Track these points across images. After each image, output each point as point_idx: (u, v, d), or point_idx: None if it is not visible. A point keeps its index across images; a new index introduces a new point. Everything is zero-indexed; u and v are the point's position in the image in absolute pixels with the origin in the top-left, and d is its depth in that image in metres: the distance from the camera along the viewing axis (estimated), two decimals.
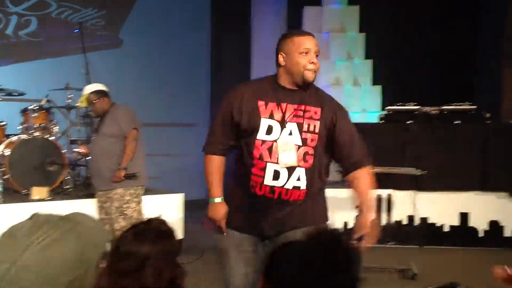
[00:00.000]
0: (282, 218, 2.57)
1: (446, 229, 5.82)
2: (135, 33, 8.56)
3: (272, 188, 2.52)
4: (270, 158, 2.51)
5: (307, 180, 2.53)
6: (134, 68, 8.34)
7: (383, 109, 7.33)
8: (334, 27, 8.21)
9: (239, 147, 2.63)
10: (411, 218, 5.87)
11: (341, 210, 5.92)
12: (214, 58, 9.23)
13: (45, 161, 5.48)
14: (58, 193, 5.42)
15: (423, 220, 5.83)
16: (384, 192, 5.94)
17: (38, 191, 5.08)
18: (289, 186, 2.52)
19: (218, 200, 2.68)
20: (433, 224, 5.83)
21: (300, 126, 2.52)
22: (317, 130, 2.53)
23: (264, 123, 2.53)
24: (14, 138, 5.61)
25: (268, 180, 2.51)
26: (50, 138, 5.65)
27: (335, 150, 2.61)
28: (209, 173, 2.69)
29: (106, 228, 4.98)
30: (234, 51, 8.92)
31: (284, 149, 2.50)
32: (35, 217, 1.16)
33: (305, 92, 2.58)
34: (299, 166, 2.51)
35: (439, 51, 8.13)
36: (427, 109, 6.19)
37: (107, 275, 1.42)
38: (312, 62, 2.55)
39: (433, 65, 8.12)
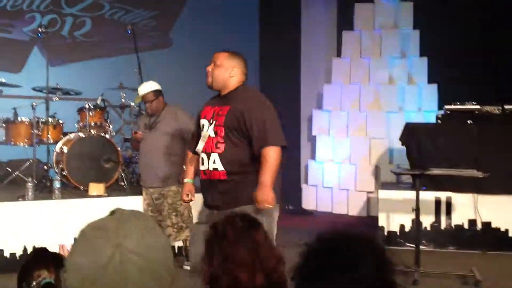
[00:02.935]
0: (217, 194, 3.31)
1: (511, 234, 5.57)
2: (185, 33, 8.61)
3: (203, 171, 3.34)
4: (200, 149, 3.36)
5: (222, 163, 3.24)
6: (184, 68, 8.37)
7: (440, 108, 7.10)
8: (386, 23, 8.04)
9: None
10: (472, 222, 5.64)
11: (396, 212, 5.77)
12: (263, 56, 9.19)
13: (102, 158, 5.59)
14: (113, 190, 5.54)
15: (486, 224, 5.59)
16: (443, 195, 5.74)
17: (96, 187, 5.19)
18: (210, 168, 3.29)
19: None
20: (497, 229, 5.59)
21: (216, 122, 3.29)
22: (223, 123, 3.26)
23: (201, 122, 3.40)
24: (72, 136, 5.74)
25: (200, 165, 3.36)
26: (105, 136, 5.74)
27: (249, 134, 3.24)
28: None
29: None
30: (283, 49, 8.85)
31: (201, 140, 3.33)
32: (118, 211, 1.19)
33: (227, 96, 3.36)
34: (212, 152, 3.27)
35: (497, 47, 7.83)
36: (488, 108, 5.95)
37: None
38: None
39: (491, 62, 7.82)
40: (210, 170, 3.29)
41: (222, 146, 3.26)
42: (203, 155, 3.32)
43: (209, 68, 3.38)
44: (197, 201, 5.13)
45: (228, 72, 3.34)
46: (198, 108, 6.87)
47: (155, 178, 4.88)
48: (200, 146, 3.33)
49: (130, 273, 1.10)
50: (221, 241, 1.66)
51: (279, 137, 3.27)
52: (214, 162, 3.26)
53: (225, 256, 1.63)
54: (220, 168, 3.25)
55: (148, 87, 4.95)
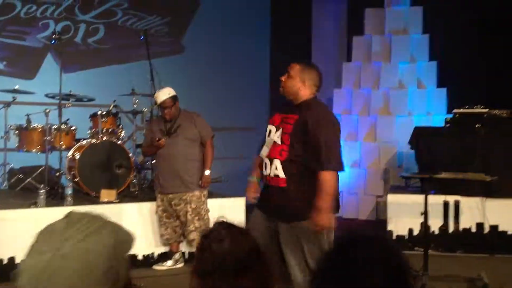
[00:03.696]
0: (276, 203, 3.32)
1: None
2: (197, 39, 8.68)
3: (265, 176, 3.37)
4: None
5: (284, 170, 3.27)
6: (196, 74, 8.46)
7: (449, 112, 7.12)
8: (396, 28, 8.07)
9: None
10: (480, 225, 5.66)
11: (405, 216, 5.79)
12: (274, 61, 9.25)
13: (113, 164, 5.64)
14: (125, 196, 5.57)
15: (493, 227, 5.61)
16: (451, 199, 5.76)
17: (107, 194, 5.24)
18: (272, 174, 3.33)
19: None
20: (504, 232, 5.60)
21: (282, 130, 3.33)
22: (290, 131, 3.29)
23: (269, 128, 3.44)
24: (84, 142, 5.80)
25: (263, 170, 3.39)
26: (118, 142, 5.80)
27: (307, 149, 3.27)
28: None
29: (167, 231, 5.10)
30: (294, 54, 8.89)
31: (266, 145, 3.37)
32: (71, 214, 1.24)
33: (299, 106, 3.37)
34: (275, 158, 3.30)
35: (505, 51, 7.81)
36: (496, 112, 5.97)
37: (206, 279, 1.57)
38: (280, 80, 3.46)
39: (500, 66, 7.80)
40: (272, 177, 3.34)
41: (285, 154, 3.30)
42: (267, 161, 3.37)
43: (283, 78, 3.45)
44: (214, 206, 5.21)
45: (300, 84, 3.38)
46: (209, 114, 6.97)
47: (179, 183, 4.94)
48: (264, 151, 3.38)
49: (64, 276, 1.16)
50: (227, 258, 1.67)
51: (335, 161, 3.26)
52: (276, 169, 3.32)
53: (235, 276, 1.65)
54: (282, 175, 3.30)
55: (166, 93, 5.01)
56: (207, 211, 5.06)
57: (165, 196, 5.04)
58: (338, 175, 3.34)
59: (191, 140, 4.97)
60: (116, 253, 1.20)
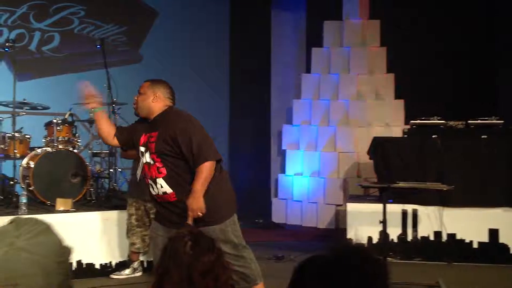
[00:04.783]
0: (174, 215, 3.48)
1: (475, 245, 5.69)
2: (155, 48, 8.61)
3: (155, 196, 3.52)
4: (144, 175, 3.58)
5: (169, 185, 3.44)
6: None
7: (406, 123, 7.25)
8: (354, 41, 8.19)
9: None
10: (438, 234, 5.75)
11: (364, 225, 5.84)
12: (233, 71, 9.26)
13: (69, 173, 5.52)
14: (81, 205, 5.46)
15: (451, 236, 5.70)
16: (409, 207, 5.84)
17: (63, 203, 5.13)
18: (160, 193, 3.49)
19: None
20: (461, 240, 5.70)
21: (149, 150, 3.49)
22: (155, 150, 3.46)
23: (140, 149, 3.57)
24: (39, 151, 5.66)
25: (151, 190, 3.54)
26: (73, 151, 5.69)
27: (182, 155, 3.43)
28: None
29: (138, 240, 4.99)
30: (254, 65, 8.94)
31: (140, 168, 3.57)
32: (16, 219, 1.36)
33: (155, 122, 3.55)
34: (157, 177, 3.46)
35: (463, 64, 8.04)
36: (452, 123, 6.11)
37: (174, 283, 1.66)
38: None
39: (457, 78, 8.02)
40: (161, 195, 3.50)
41: (163, 170, 3.46)
42: (150, 182, 3.53)
43: (135, 97, 3.65)
44: None
45: (150, 98, 3.56)
46: None
47: None
48: (145, 174, 3.55)
49: (20, 267, 1.26)
50: (185, 259, 1.74)
51: (211, 152, 3.47)
52: (161, 187, 3.47)
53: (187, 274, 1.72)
54: (169, 190, 3.46)
55: None
56: None
57: (142, 204, 4.94)
58: (215, 166, 3.52)
59: None
60: (65, 248, 1.33)
